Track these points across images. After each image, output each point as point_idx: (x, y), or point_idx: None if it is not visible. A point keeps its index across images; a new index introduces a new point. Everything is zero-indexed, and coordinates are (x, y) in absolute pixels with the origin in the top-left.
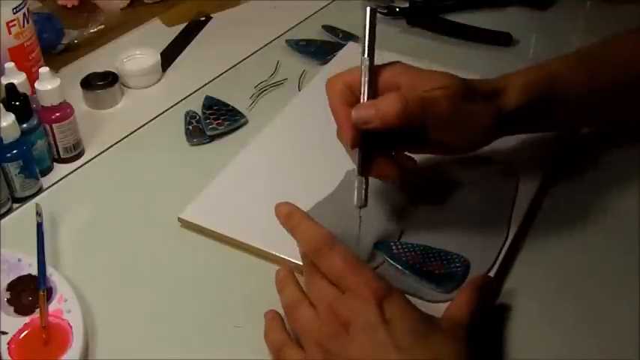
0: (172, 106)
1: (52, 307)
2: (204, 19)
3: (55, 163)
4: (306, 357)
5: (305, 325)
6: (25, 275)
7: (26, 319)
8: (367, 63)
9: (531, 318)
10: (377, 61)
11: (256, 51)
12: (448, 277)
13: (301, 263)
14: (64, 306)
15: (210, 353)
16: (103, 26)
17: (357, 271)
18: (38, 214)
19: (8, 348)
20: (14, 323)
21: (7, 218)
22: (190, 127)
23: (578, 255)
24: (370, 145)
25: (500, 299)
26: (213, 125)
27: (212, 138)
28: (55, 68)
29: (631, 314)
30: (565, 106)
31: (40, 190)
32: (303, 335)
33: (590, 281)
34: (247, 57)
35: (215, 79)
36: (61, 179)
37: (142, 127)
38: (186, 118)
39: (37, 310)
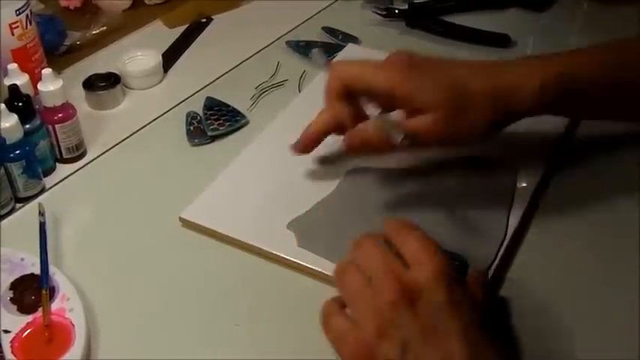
0: (174, 107)
1: (55, 305)
2: (205, 20)
3: (57, 164)
4: (355, 322)
5: (354, 288)
6: (27, 274)
7: (29, 318)
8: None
9: (531, 316)
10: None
11: (257, 52)
12: None
13: (302, 262)
14: (66, 305)
15: (210, 352)
16: (105, 28)
17: (433, 250)
18: (41, 213)
19: (11, 346)
20: (17, 322)
21: (10, 218)
22: (191, 128)
23: (577, 252)
24: None
25: (499, 296)
26: (214, 126)
27: (213, 138)
28: (58, 69)
29: (631, 313)
30: (585, 103)
31: (42, 190)
32: (352, 298)
33: (590, 278)
34: (248, 58)
35: (216, 80)
36: (64, 179)
37: (143, 127)
38: (187, 119)
39: (40, 309)
